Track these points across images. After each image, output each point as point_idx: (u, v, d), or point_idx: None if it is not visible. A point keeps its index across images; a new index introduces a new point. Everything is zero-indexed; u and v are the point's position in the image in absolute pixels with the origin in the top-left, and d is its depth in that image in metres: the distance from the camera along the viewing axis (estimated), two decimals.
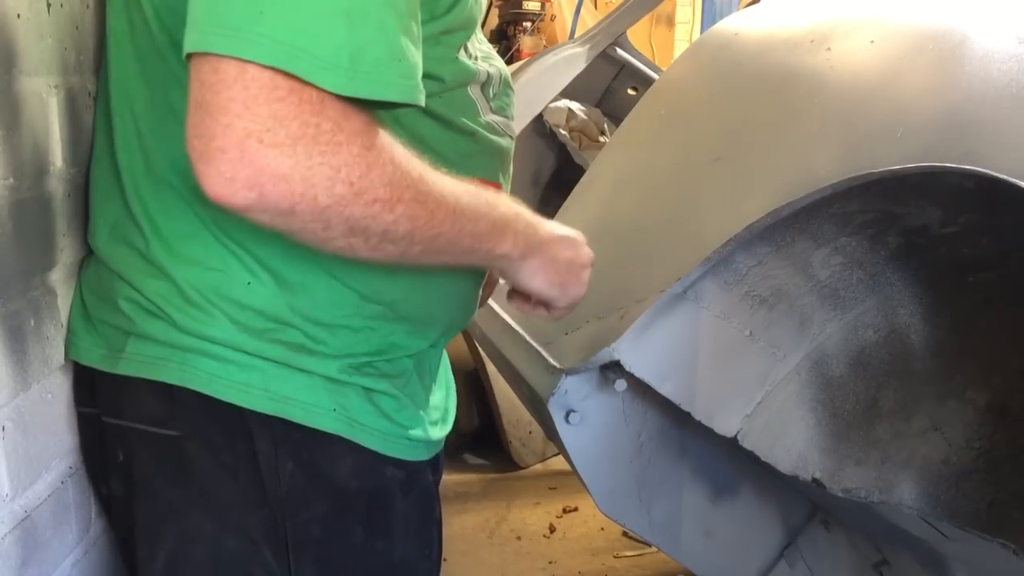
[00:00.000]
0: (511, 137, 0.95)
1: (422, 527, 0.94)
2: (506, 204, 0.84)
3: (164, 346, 0.81)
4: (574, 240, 0.93)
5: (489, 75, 0.89)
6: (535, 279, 0.89)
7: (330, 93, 0.66)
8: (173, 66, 0.79)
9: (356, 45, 0.66)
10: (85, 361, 0.87)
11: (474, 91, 0.88)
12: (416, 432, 0.89)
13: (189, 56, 0.66)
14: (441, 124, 0.84)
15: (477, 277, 0.97)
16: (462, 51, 0.85)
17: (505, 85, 0.94)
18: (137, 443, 0.84)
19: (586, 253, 0.94)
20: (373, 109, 0.71)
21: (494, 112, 0.91)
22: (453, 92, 0.85)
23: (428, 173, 0.74)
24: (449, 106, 0.85)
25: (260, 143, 0.64)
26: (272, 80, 0.64)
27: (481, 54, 0.90)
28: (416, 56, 0.71)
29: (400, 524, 0.90)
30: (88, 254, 0.90)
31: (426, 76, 0.75)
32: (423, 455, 0.91)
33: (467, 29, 0.84)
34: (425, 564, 0.95)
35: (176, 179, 0.80)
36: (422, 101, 0.71)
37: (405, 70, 0.70)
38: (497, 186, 0.92)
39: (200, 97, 0.64)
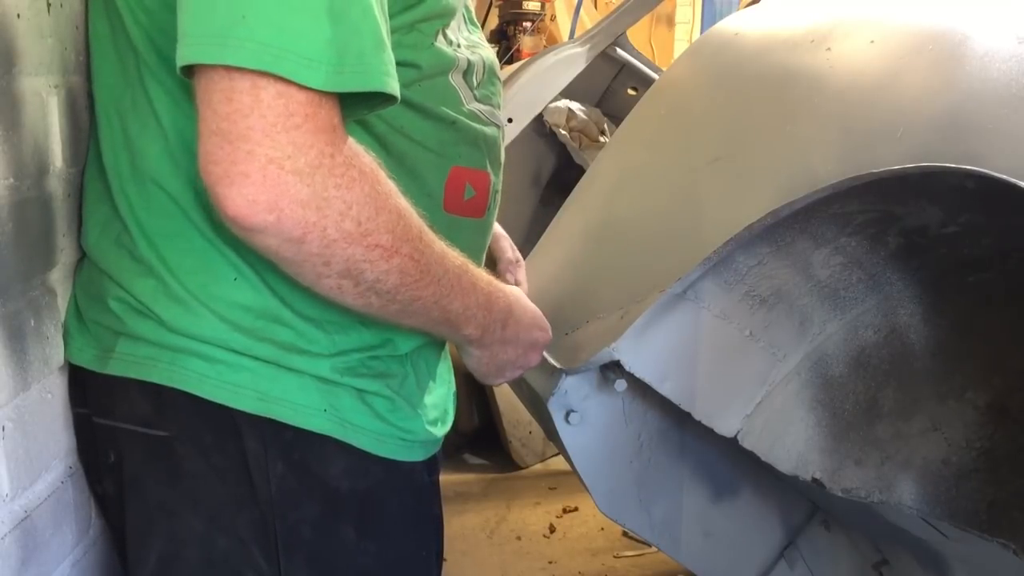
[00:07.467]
0: (498, 126, 0.94)
1: (417, 527, 0.93)
2: (486, 284, 0.87)
3: (153, 346, 0.81)
4: (542, 322, 0.99)
5: (471, 63, 0.88)
6: (495, 360, 0.95)
7: (326, 94, 0.66)
8: (153, 67, 0.79)
9: (342, 39, 0.66)
10: (77, 361, 0.87)
11: (456, 79, 0.87)
12: (411, 432, 0.89)
13: (186, 72, 0.67)
14: (420, 113, 0.84)
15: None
16: (440, 37, 0.84)
17: (490, 74, 0.93)
18: (127, 443, 0.84)
19: (546, 338, 1.00)
20: (359, 110, 0.72)
21: (478, 100, 0.90)
22: (432, 80, 0.84)
23: (426, 233, 0.76)
24: (428, 94, 0.84)
25: (281, 169, 0.65)
26: (286, 107, 0.65)
27: (465, 42, 0.89)
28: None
29: (393, 525, 0.89)
30: (83, 255, 0.90)
31: (402, 64, 0.76)
32: (418, 455, 0.91)
33: (444, 17, 0.84)
34: (420, 565, 0.95)
35: (161, 178, 0.80)
36: (397, 93, 0.72)
37: (389, 58, 0.71)
38: (485, 175, 0.92)
39: (215, 126, 0.65)
